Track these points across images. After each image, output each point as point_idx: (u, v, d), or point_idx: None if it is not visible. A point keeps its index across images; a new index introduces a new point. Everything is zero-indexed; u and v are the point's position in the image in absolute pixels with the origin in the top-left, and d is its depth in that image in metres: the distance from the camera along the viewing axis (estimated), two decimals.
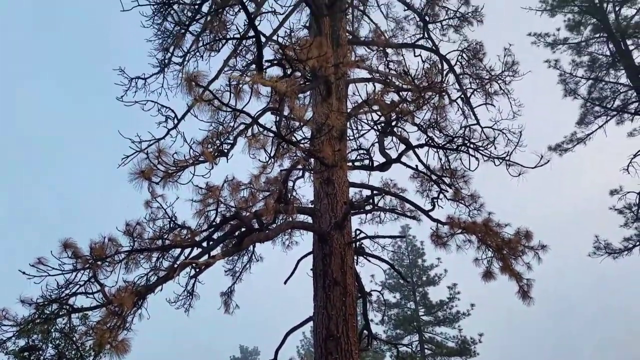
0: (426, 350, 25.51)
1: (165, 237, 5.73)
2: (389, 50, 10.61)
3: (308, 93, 9.41)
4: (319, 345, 6.24)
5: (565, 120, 19.47)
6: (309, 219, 7.56)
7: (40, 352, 7.61)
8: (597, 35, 18.74)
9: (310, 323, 6.83)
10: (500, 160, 7.57)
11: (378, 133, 7.84)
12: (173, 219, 5.85)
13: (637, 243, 16.63)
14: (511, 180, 7.46)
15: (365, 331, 8.14)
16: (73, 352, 7.79)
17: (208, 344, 55.68)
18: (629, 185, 16.70)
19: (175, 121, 7.49)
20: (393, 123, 7.68)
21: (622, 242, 16.84)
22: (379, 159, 7.89)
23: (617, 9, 18.41)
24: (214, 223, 6.24)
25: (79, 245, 5.06)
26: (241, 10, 5.83)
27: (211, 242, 5.83)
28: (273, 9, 7.04)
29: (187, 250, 5.96)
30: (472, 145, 7.46)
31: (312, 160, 7.40)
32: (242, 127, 6.70)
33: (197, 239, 5.93)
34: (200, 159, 5.60)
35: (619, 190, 16.84)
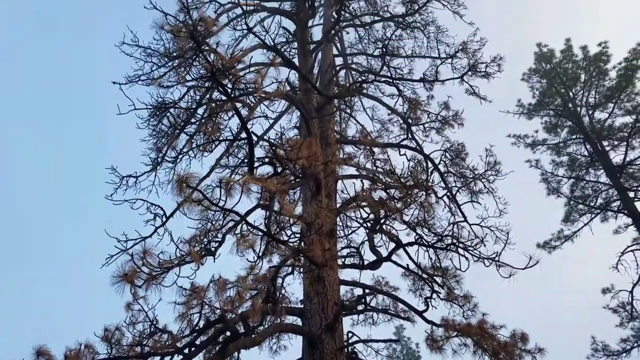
0: None
1: (145, 342, 5.41)
2: (376, 149, 10.95)
3: (298, 189, 9.54)
4: None
5: (551, 215, 19.80)
6: (298, 321, 7.26)
7: None
8: (574, 137, 19.75)
9: None
10: (490, 261, 7.53)
11: (367, 231, 7.83)
12: (154, 322, 5.57)
13: (635, 344, 16.09)
14: (502, 281, 7.36)
15: None
16: None
17: None
18: (620, 283, 16.57)
19: (164, 219, 7.46)
20: (382, 220, 7.71)
21: (619, 343, 16.30)
22: (369, 256, 7.80)
23: (590, 112, 19.61)
24: (197, 327, 5.94)
25: (52, 353, 4.74)
26: (234, 115, 6.09)
27: (193, 349, 5.50)
28: (265, 114, 7.36)
29: (167, 358, 5.59)
30: (461, 245, 7.45)
31: (301, 257, 7.29)
32: (231, 224, 6.67)
33: (178, 344, 5.60)
34: (186, 259, 5.48)
35: (610, 288, 16.65)
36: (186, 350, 5.48)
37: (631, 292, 16.22)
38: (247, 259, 6.07)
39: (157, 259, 5.32)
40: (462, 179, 9.99)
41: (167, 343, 5.60)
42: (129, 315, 5.56)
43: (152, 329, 5.54)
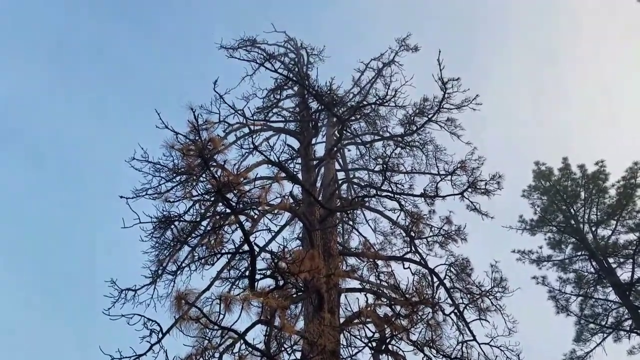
0: None
1: None
2: (379, 262, 10.76)
3: (299, 303, 9.22)
4: None
5: (562, 333, 18.86)
6: None
7: None
8: (579, 254, 19.52)
9: None
10: None
11: (373, 351, 7.42)
12: None
13: None
14: None
15: None
16: None
17: None
18: None
19: (160, 335, 7.12)
20: (388, 340, 7.34)
21: None
22: None
23: (593, 229, 19.59)
24: None
25: None
26: (238, 228, 6.14)
27: None
28: (268, 227, 7.41)
29: None
30: None
31: None
32: (229, 341, 6.35)
33: None
34: None
35: None
36: None
37: None
38: None
39: None
40: (469, 295, 9.68)
41: None
42: None
43: None
